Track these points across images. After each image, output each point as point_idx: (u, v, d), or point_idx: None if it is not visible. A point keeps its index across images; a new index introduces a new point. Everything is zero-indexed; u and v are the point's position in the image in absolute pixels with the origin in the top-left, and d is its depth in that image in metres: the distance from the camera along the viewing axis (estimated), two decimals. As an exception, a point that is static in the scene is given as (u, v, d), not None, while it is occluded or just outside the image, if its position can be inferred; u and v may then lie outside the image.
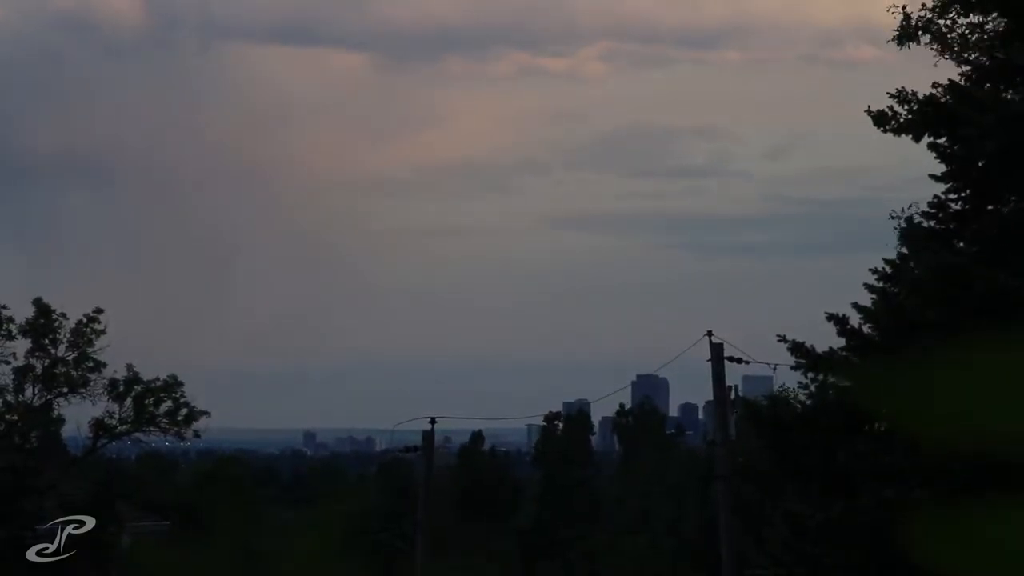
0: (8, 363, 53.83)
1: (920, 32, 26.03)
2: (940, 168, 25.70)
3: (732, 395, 39.83)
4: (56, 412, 55.41)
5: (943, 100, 25.44)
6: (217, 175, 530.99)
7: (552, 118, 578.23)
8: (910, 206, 26.14)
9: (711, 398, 38.87)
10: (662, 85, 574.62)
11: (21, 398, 54.02)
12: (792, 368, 27.80)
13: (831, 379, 26.95)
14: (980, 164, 25.26)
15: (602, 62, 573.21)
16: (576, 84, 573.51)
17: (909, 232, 26.03)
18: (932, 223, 25.90)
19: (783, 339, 26.56)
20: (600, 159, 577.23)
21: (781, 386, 35.39)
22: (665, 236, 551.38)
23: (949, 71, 25.99)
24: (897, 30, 26.29)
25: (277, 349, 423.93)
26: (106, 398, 55.01)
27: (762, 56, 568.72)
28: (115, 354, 55.42)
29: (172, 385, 55.93)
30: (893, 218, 26.24)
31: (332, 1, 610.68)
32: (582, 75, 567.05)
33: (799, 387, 32.79)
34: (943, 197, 25.76)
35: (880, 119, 25.92)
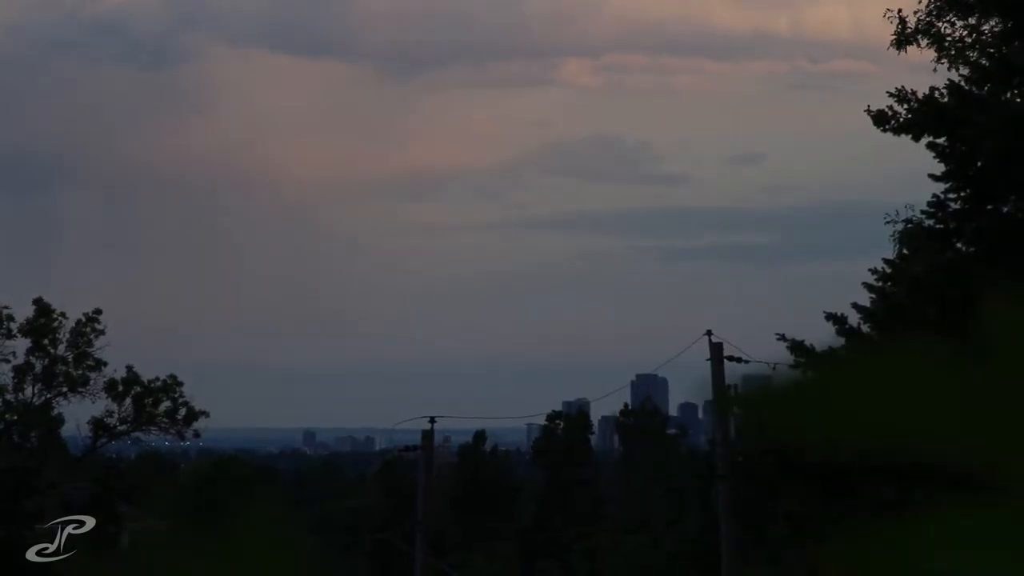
0: (8, 362, 53.77)
1: (919, 36, 26.03)
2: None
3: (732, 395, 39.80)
4: (56, 411, 55.27)
5: (943, 100, 25.47)
6: (218, 177, 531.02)
7: (551, 122, 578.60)
8: (905, 208, 26.19)
9: (711, 398, 38.92)
10: (652, 94, 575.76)
11: (20, 397, 53.94)
12: (792, 368, 27.73)
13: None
14: (979, 164, 25.27)
15: (592, 74, 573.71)
16: (570, 92, 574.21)
17: (908, 232, 26.04)
18: (931, 222, 25.93)
19: (782, 338, 26.53)
20: (598, 161, 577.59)
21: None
22: (663, 237, 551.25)
23: (945, 76, 26.00)
24: (894, 35, 26.30)
25: (277, 348, 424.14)
26: (106, 397, 54.93)
27: (748, 66, 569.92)
28: (115, 354, 55.41)
29: (171, 385, 55.80)
30: (888, 223, 26.24)
31: (323, 10, 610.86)
32: (576, 84, 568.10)
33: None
34: (942, 196, 25.78)
35: (880, 119, 25.95)
